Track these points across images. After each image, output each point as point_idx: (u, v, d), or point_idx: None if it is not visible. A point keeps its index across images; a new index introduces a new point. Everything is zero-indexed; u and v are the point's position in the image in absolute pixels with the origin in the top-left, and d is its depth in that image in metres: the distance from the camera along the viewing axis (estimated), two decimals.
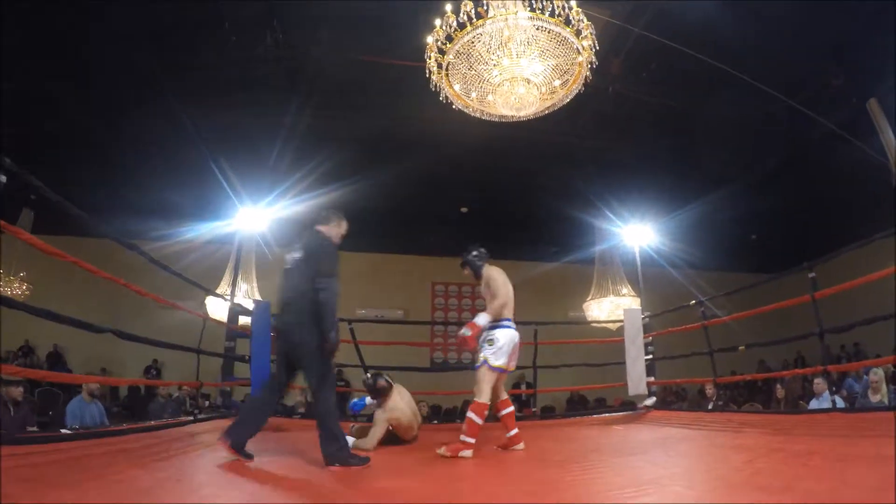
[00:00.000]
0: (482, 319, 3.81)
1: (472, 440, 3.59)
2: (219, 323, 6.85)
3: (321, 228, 3.54)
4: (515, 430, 3.96)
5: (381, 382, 4.55)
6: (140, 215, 10.24)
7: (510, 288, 4.01)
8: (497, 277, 4.00)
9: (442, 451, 3.59)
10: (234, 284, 7.50)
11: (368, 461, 3.27)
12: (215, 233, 9.81)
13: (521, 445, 3.92)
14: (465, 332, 3.76)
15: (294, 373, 3.48)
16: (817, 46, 7.52)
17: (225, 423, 5.36)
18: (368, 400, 4.78)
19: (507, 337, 3.85)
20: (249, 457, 3.29)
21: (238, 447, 3.27)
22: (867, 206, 8.77)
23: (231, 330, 6.63)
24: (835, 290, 4.74)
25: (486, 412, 3.72)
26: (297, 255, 3.43)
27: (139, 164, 9.93)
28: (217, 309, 8.20)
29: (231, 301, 6.92)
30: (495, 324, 3.87)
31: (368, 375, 4.73)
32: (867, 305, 5.82)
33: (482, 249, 4.16)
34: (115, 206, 9.71)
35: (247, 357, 6.40)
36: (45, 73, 7.93)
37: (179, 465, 3.21)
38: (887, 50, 6.94)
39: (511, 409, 4.04)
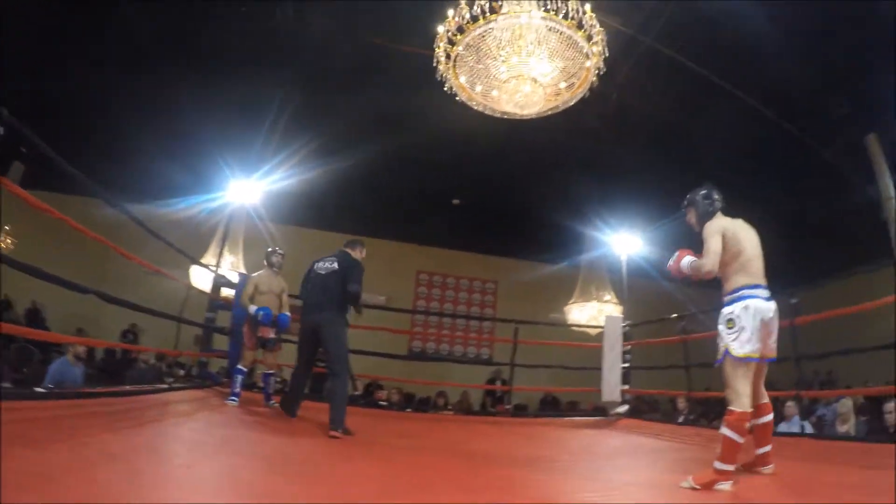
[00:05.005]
0: (686, 260, 3.06)
1: (731, 467, 2.61)
2: (201, 292, 6.80)
3: (350, 251, 4.64)
4: (768, 448, 2.92)
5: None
6: (129, 182, 10.01)
7: (741, 242, 2.94)
8: (713, 230, 2.95)
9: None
10: (220, 255, 7.44)
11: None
12: (205, 205, 9.69)
13: (769, 468, 2.91)
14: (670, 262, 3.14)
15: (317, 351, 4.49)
16: (825, 74, 7.53)
17: (198, 394, 5.36)
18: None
19: (749, 311, 2.80)
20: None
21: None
22: (856, 237, 8.83)
23: (213, 300, 6.59)
24: (815, 318, 4.82)
25: (749, 422, 2.75)
26: (330, 265, 4.53)
27: (132, 129, 9.72)
28: (201, 279, 8.13)
29: (216, 272, 6.87)
30: (731, 296, 2.88)
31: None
32: (845, 335, 5.91)
33: (717, 196, 3.09)
34: (103, 171, 9.52)
35: (226, 329, 6.38)
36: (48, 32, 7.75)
37: (153, 432, 3.18)
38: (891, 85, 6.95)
39: (769, 417, 2.96)
